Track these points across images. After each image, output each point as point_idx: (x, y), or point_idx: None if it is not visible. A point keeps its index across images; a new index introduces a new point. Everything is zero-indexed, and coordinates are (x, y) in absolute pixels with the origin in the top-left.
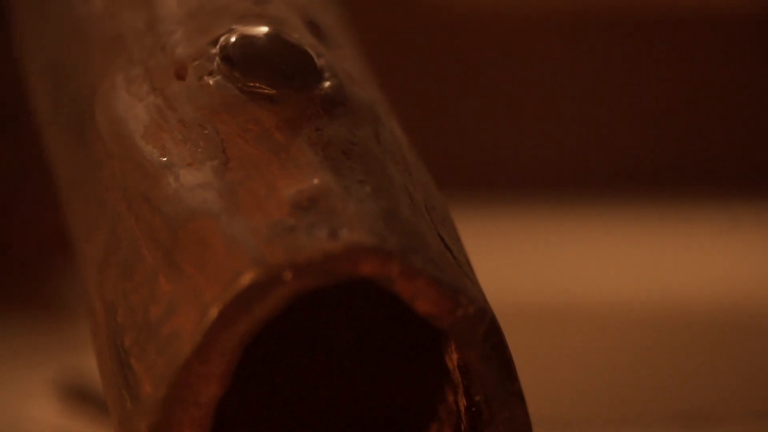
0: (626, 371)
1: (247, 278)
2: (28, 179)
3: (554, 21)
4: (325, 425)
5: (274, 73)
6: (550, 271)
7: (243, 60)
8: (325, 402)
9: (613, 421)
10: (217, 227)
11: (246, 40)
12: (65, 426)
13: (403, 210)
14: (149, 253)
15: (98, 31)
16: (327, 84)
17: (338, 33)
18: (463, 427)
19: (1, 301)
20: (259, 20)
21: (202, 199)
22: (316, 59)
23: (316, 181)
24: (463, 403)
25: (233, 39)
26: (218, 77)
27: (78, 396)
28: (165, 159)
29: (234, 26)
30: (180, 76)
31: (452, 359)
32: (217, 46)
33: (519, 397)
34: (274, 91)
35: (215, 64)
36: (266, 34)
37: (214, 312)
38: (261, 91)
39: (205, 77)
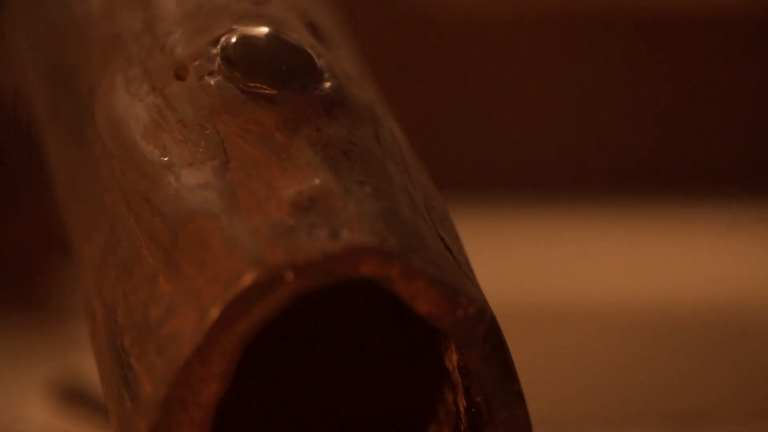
0: (626, 371)
1: (247, 279)
2: (27, 179)
3: (554, 21)
4: (325, 425)
5: (274, 74)
6: (549, 272)
7: (244, 60)
8: (325, 402)
9: (613, 421)
10: (217, 227)
11: (246, 41)
12: (62, 427)
13: (403, 210)
14: (149, 253)
15: (96, 32)
16: (327, 84)
17: (337, 33)
18: (462, 428)
19: None
20: (259, 20)
21: (203, 200)
22: (316, 59)
23: (316, 181)
24: (462, 403)
25: (234, 39)
26: (219, 77)
27: (75, 397)
28: (165, 159)
29: (234, 27)
30: (180, 76)
31: (452, 359)
32: (218, 47)
33: (519, 397)
34: (274, 92)
35: (216, 64)
36: (266, 35)
37: (214, 312)
38: (261, 91)
39: (206, 77)
